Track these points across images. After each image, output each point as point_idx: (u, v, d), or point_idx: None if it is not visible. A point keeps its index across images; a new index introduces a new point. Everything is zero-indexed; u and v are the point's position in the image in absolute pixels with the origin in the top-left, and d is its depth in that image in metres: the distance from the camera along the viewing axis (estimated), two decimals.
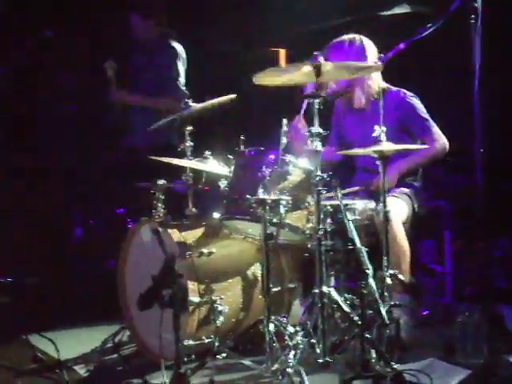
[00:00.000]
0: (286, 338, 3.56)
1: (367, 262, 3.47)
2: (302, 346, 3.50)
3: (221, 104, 4.32)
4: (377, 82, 4.44)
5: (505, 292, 4.58)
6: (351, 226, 3.57)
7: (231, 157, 3.91)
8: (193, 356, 3.74)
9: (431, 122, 4.44)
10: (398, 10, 5.94)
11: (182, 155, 4.26)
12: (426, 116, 4.44)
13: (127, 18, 5.40)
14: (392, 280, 3.79)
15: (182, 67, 5.40)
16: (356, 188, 4.20)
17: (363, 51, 4.42)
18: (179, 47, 5.42)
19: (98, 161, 5.86)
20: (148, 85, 5.39)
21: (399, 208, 4.22)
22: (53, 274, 5.45)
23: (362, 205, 3.98)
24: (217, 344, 3.75)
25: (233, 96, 4.31)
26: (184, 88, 5.34)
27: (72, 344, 4.33)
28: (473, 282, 4.82)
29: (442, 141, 4.42)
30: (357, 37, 4.48)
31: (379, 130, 3.78)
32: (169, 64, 5.35)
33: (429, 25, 3.87)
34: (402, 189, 4.40)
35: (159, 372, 3.47)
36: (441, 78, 5.90)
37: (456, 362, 3.66)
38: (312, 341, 3.53)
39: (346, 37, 4.49)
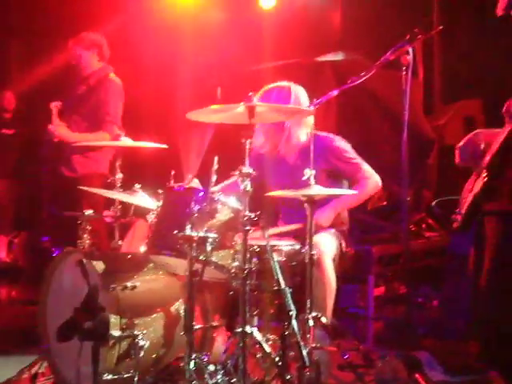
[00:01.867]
0: (206, 376, 3.54)
1: (291, 303, 3.49)
2: None
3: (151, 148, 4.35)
4: (304, 128, 4.52)
5: (424, 338, 4.65)
6: (277, 267, 3.59)
7: (160, 191, 3.91)
8: None
9: (361, 161, 4.52)
10: (333, 58, 6.07)
11: (111, 187, 4.24)
12: (355, 155, 4.53)
13: (72, 48, 5.43)
14: (314, 322, 3.81)
15: (119, 103, 5.42)
16: (293, 226, 4.19)
17: (291, 98, 4.48)
18: (119, 82, 5.44)
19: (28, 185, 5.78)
20: (85, 116, 5.39)
21: (329, 245, 4.27)
22: None
23: (288, 246, 4.00)
24: (136, 379, 3.69)
25: (164, 146, 4.32)
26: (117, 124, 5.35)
27: None
28: (393, 328, 4.89)
29: (373, 178, 4.50)
30: (286, 84, 4.56)
31: (309, 173, 3.82)
32: (107, 99, 5.37)
33: (362, 73, 3.96)
34: (331, 229, 4.45)
35: None
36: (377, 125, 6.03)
37: None
38: (232, 380, 3.53)
39: (275, 84, 4.56)
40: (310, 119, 4.47)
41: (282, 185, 4.27)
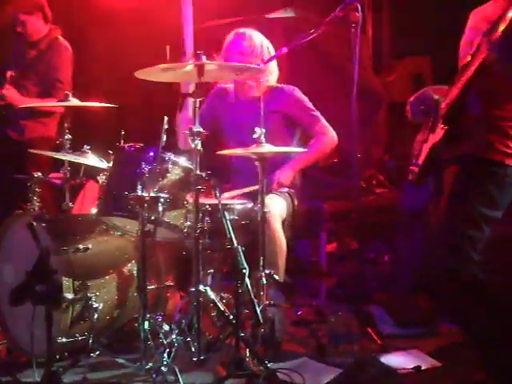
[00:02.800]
0: (161, 336, 3.55)
1: (244, 261, 3.51)
2: (176, 345, 3.51)
3: (100, 108, 4.28)
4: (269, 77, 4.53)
5: (376, 293, 4.72)
6: (229, 226, 3.60)
7: (111, 152, 3.87)
8: (66, 354, 3.67)
9: (319, 115, 4.53)
10: (283, 14, 6.04)
11: (60, 149, 4.18)
12: (314, 109, 4.54)
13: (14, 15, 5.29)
14: (267, 280, 3.84)
15: (70, 68, 5.33)
16: (252, 188, 4.17)
17: (253, 45, 4.47)
18: (68, 46, 5.35)
19: None
20: (36, 82, 5.29)
21: (279, 206, 4.28)
22: None
23: (240, 204, 4.01)
24: (91, 341, 3.69)
25: (113, 106, 4.25)
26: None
27: None
28: (346, 283, 4.95)
29: (330, 133, 4.51)
30: (246, 31, 4.52)
31: (260, 132, 3.81)
32: (58, 65, 5.27)
33: (311, 31, 3.95)
34: (283, 189, 4.46)
35: (31, 370, 3.41)
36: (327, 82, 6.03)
37: (328, 361, 3.75)
38: (187, 339, 3.55)
39: (235, 31, 4.53)
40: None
41: (239, 139, 4.28)
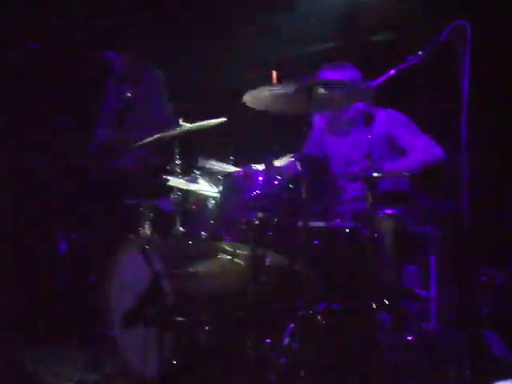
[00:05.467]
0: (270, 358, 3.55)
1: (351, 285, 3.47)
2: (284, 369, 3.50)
3: (211, 126, 4.33)
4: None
5: (488, 318, 4.60)
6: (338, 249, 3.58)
7: (220, 177, 3.92)
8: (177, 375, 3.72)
9: (424, 134, 4.53)
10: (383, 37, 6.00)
11: (170, 174, 4.26)
12: (418, 128, 4.54)
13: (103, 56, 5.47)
14: (378, 304, 3.79)
15: (164, 91, 5.46)
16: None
17: (357, 77, 4.48)
18: (159, 71, 5.48)
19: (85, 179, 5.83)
20: (138, 116, 5.44)
21: (388, 228, 4.24)
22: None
23: (350, 227, 3.97)
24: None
25: (223, 119, 4.31)
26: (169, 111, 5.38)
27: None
28: (458, 308, 4.83)
29: (437, 149, 4.51)
30: (348, 64, 4.55)
31: (370, 158, 3.80)
32: (154, 92, 5.41)
33: (419, 53, 3.90)
34: (390, 210, 4.42)
35: None
36: (428, 108, 5.95)
37: None
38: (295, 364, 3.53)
39: (339, 62, 4.56)
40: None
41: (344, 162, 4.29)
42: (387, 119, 4.51)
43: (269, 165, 3.71)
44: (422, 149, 4.47)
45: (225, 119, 4.30)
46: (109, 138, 5.43)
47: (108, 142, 5.45)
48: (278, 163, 3.99)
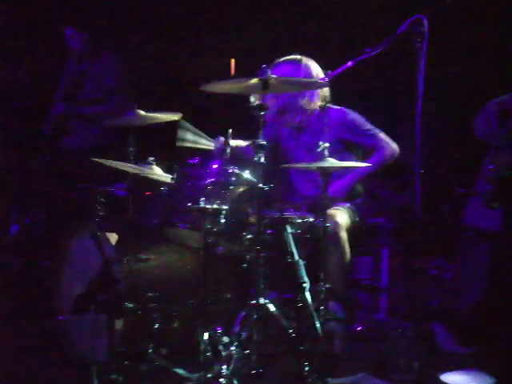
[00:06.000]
0: (220, 348, 3.56)
1: (304, 275, 3.49)
2: (235, 357, 3.50)
3: (166, 120, 4.32)
4: (316, 100, 4.52)
5: (437, 310, 4.66)
6: (290, 239, 3.59)
7: (175, 164, 3.90)
8: (126, 362, 3.70)
9: (377, 131, 4.55)
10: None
11: (124, 159, 4.23)
12: (370, 127, 4.56)
13: (62, 31, 5.43)
14: (328, 294, 3.81)
15: (121, 75, 5.43)
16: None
17: (309, 70, 4.49)
18: (118, 56, 5.46)
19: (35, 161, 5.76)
20: (87, 93, 5.40)
21: (343, 218, 4.28)
22: None
23: (302, 218, 4.00)
24: (150, 351, 3.71)
25: (179, 115, 4.29)
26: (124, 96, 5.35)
27: None
28: (407, 300, 4.89)
29: (391, 147, 4.53)
30: (303, 58, 4.56)
31: (323, 146, 3.80)
32: (109, 72, 5.38)
33: (377, 45, 3.92)
34: (345, 203, 4.46)
35: (91, 378, 3.44)
36: (385, 98, 6.00)
37: (387, 377, 3.70)
38: (246, 352, 3.54)
39: (291, 57, 4.56)
40: (326, 92, 4.49)
41: (297, 157, 4.29)
42: (340, 121, 4.51)
43: (228, 139, 3.71)
44: (377, 150, 4.50)
45: (180, 114, 4.28)
46: (62, 110, 5.39)
47: (60, 116, 5.40)
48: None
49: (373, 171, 4.56)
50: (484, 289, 4.42)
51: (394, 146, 4.53)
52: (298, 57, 4.59)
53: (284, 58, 4.58)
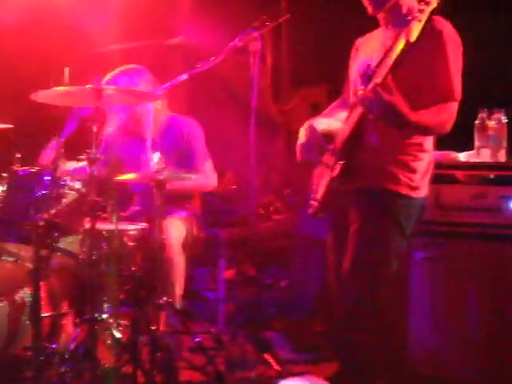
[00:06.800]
0: (55, 365, 3.47)
1: (141, 288, 3.47)
2: (70, 374, 3.42)
3: None
4: (161, 112, 4.52)
5: (274, 319, 4.75)
6: (126, 252, 3.56)
7: (4, 175, 3.76)
8: None
9: (206, 157, 4.57)
10: (182, 41, 6.06)
11: None
12: (204, 148, 4.57)
13: None
14: (165, 306, 3.81)
15: None
16: None
17: (140, 81, 4.47)
18: None
19: None
20: None
21: (178, 229, 4.28)
22: None
23: (138, 230, 3.97)
24: None
25: (10, 126, 4.15)
26: None
27: None
28: (244, 309, 4.96)
29: (211, 177, 4.58)
30: (135, 67, 4.54)
31: (157, 157, 3.79)
32: None
33: (211, 58, 3.95)
34: (181, 213, 4.47)
35: None
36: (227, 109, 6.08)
37: None
38: (83, 368, 3.47)
39: (123, 67, 4.53)
40: (164, 103, 4.50)
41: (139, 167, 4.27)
42: (181, 133, 4.52)
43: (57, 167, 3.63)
44: (204, 174, 4.53)
45: (11, 126, 4.15)
46: None
47: None
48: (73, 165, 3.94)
49: (189, 190, 4.59)
50: (317, 295, 4.57)
51: (214, 179, 4.59)
52: (136, 66, 4.56)
53: (121, 68, 4.53)
